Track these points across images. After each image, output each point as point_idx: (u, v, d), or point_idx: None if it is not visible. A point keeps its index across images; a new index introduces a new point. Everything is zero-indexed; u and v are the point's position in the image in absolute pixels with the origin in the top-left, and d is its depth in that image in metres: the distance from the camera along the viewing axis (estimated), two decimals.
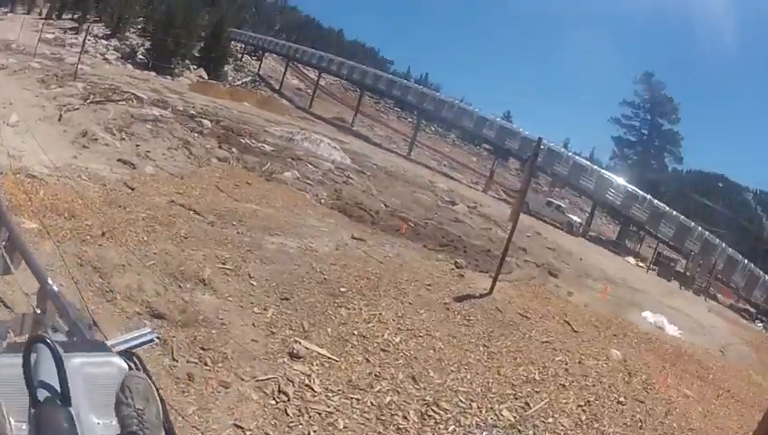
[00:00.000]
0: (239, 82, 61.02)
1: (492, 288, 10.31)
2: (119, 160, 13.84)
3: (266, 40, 76.50)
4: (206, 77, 56.21)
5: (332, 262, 9.66)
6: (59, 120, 17.08)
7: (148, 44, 61.66)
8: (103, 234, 8.22)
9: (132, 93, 23.15)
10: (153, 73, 48.53)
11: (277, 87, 63.15)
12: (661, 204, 37.06)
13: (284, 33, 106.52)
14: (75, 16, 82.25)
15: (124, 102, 20.71)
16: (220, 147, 17.44)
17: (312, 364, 6.31)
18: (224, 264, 8.36)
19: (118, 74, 36.49)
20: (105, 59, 54.19)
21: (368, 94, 61.17)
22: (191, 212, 10.52)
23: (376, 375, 6.41)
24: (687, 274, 27.51)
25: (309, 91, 64.48)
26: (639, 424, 7.13)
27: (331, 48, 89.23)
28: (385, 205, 17.35)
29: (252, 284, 7.90)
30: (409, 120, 66.58)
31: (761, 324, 24.50)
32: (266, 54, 74.28)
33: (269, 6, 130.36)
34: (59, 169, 11.81)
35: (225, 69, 63.00)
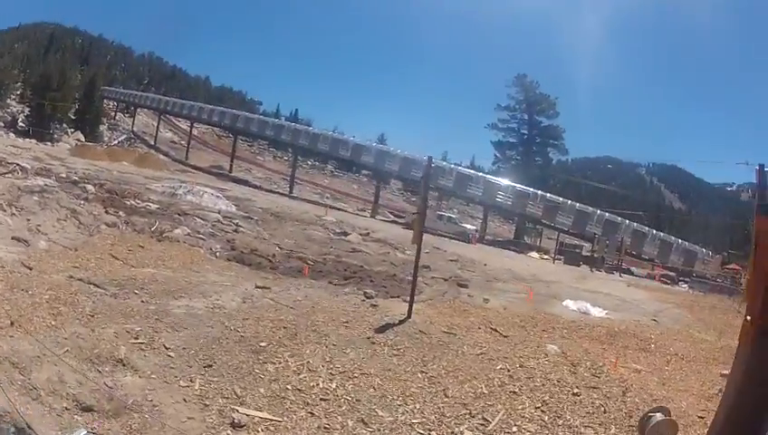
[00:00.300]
0: (116, 142, 61.09)
1: (410, 312, 10.11)
2: (12, 238, 12.80)
3: (136, 95, 77.69)
4: (84, 139, 55.86)
5: (244, 317, 9.21)
6: None
7: (27, 111, 60.35)
8: (12, 323, 7.46)
9: (17, 164, 22.54)
10: (34, 141, 48.15)
11: (152, 142, 63.63)
12: (554, 196, 39.06)
13: (153, 86, 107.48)
14: None
15: (10, 175, 19.68)
16: (107, 212, 17.01)
17: (258, 430, 5.85)
18: (136, 338, 7.69)
19: (1, 144, 34.82)
20: None
21: (241, 138, 62.62)
22: (91, 286, 9.82)
23: (325, 428, 6.00)
24: (595, 256, 28.79)
25: (183, 142, 65.19)
26: (602, 409, 7.07)
27: (199, 96, 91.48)
28: (279, 247, 17.23)
29: (170, 355, 7.32)
30: (285, 158, 68.62)
31: (685, 285, 25.87)
32: (138, 110, 74.92)
33: (137, 60, 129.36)
34: None
35: (101, 129, 63.13)
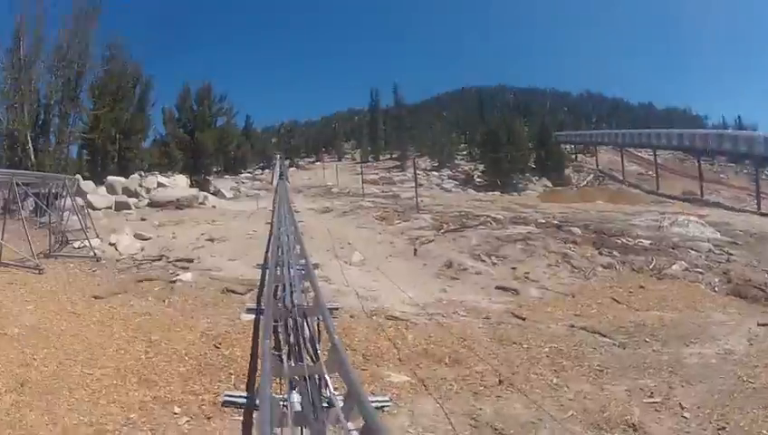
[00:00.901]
0: (584, 183, 60.91)
1: None
2: (497, 288, 13.27)
3: (591, 134, 79.03)
4: (551, 185, 57.18)
5: (754, 363, 8.11)
6: (414, 253, 17.42)
7: (481, 167, 64.97)
8: (500, 381, 7.12)
9: (487, 216, 23.26)
10: (497, 193, 50.08)
11: (620, 177, 61.29)
12: None
13: (602, 122, 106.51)
14: (393, 156, 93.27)
15: (483, 226, 20.57)
16: (600, 253, 16.36)
17: None
18: (650, 396, 7.09)
19: (461, 201, 37.99)
20: (442, 188, 57.43)
21: (702, 158, 56.23)
22: (596, 335, 9.54)
23: None
24: None
25: (649, 173, 61.89)
26: None
27: (649, 123, 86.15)
28: None
29: (684, 417, 6.60)
30: (745, 171, 60.68)
31: None
32: (598, 147, 74.29)
33: (577, 100, 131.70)
34: (427, 306, 11.39)
35: (566, 172, 63.59)
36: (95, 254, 17.26)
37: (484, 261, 15.67)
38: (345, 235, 20.32)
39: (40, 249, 16.70)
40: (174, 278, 14.17)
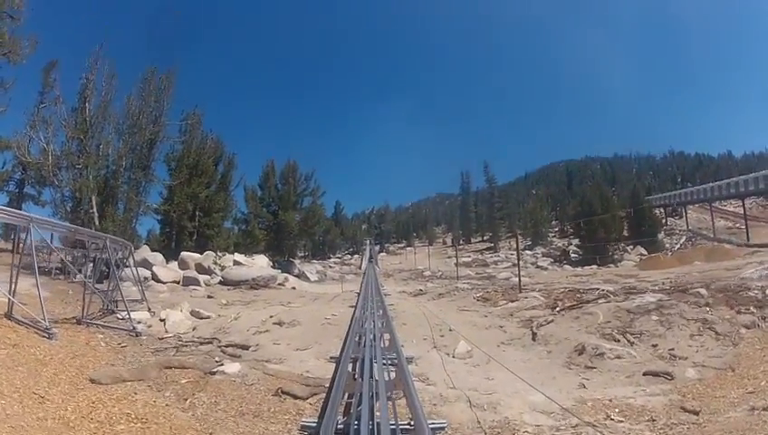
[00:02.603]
0: (678, 245, 58.89)
1: None
2: (646, 374, 10.27)
3: (680, 194, 78.17)
4: (646, 252, 54.69)
5: None
6: (533, 338, 14.09)
7: (575, 241, 64.62)
8: None
9: (597, 289, 20.08)
10: (594, 266, 48.71)
11: (710, 235, 60.71)
12: None
13: (687, 181, 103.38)
14: (485, 238, 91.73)
15: (603, 300, 16.23)
16: (738, 312, 13.57)
17: None
18: None
19: (560, 277, 34.86)
20: (538, 266, 57.32)
21: None
22: None
23: None
24: None
25: (737, 226, 62.60)
26: None
27: (724, 173, 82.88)
28: None
29: None
30: None
31: None
32: (685, 208, 74.50)
33: (661, 163, 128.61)
34: (567, 413, 8.09)
35: (659, 237, 61.05)
36: (134, 328, 14.10)
37: (618, 341, 12.58)
38: (444, 319, 17.12)
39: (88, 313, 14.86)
40: (215, 369, 10.16)
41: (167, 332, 14.56)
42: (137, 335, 13.64)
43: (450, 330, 14.94)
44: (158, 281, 26.57)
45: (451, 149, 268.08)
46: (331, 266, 64.92)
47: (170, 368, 9.98)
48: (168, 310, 16.98)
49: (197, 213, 39.36)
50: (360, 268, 63.87)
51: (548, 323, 14.81)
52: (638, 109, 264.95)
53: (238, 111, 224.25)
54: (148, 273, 27.35)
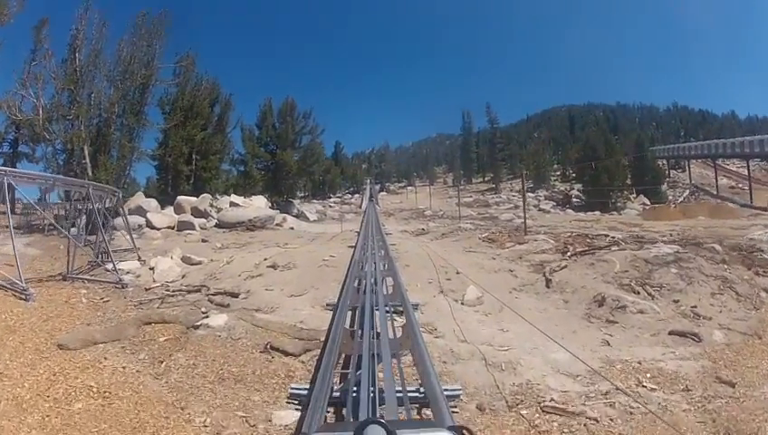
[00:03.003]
0: (681, 199, 58.35)
1: None
2: (671, 334, 9.24)
3: (685, 147, 76.21)
4: (648, 202, 53.95)
5: None
6: (546, 285, 12.80)
7: (577, 187, 63.52)
8: None
9: (607, 236, 19.36)
10: (597, 213, 47.40)
11: (713, 192, 59.96)
12: None
13: (691, 136, 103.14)
14: (486, 179, 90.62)
15: (616, 248, 15.83)
16: (756, 273, 12.60)
17: None
18: None
19: (563, 221, 34.39)
20: (540, 209, 56.09)
21: None
22: None
23: None
24: None
25: (740, 186, 61.63)
26: None
27: (733, 134, 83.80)
28: None
29: None
30: None
31: None
32: (687, 162, 73.54)
33: (664, 115, 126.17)
34: (594, 377, 7.10)
35: (662, 189, 60.45)
36: (120, 280, 13.21)
37: (638, 293, 11.41)
38: (450, 261, 15.71)
39: (75, 268, 14.34)
40: (199, 322, 9.21)
41: (155, 281, 13.61)
42: (123, 287, 12.78)
43: (457, 273, 13.70)
44: (153, 227, 25.63)
45: (452, 91, 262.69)
46: (330, 206, 63.94)
47: (150, 323, 9.06)
48: (159, 257, 16.02)
49: (194, 156, 37.97)
50: (360, 207, 62.90)
51: (561, 269, 13.53)
52: (643, 59, 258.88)
53: (236, 52, 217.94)
54: (142, 220, 26.48)
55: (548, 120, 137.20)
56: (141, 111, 31.47)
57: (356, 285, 10.72)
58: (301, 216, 42.50)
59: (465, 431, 1.70)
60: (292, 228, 30.48)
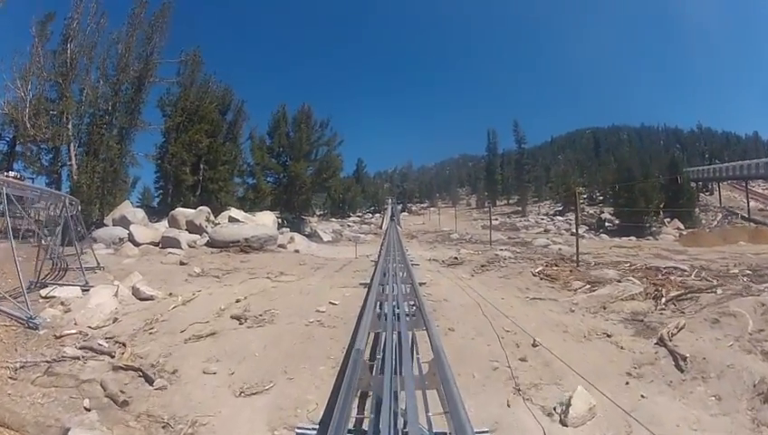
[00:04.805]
0: (715, 222, 57.38)
1: None
2: None
3: (718, 169, 74.18)
4: (683, 227, 52.52)
5: None
6: (677, 366, 7.95)
7: (607, 210, 61.03)
8: None
9: (684, 269, 15.68)
10: (633, 238, 44.68)
11: (744, 214, 58.84)
12: None
13: (716, 158, 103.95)
14: (510, 201, 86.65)
15: (721, 290, 11.74)
16: None
17: None
18: None
19: (604, 248, 30.90)
20: (573, 234, 49.61)
21: None
22: None
23: None
24: None
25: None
26: None
27: (753, 154, 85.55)
28: None
29: None
30: None
31: None
32: (716, 184, 72.60)
33: (688, 137, 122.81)
34: None
35: (696, 212, 58.70)
36: (31, 318, 9.58)
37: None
38: (512, 316, 10.48)
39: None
40: None
41: (75, 324, 9.60)
42: (35, 328, 9.27)
43: (534, 345, 8.59)
44: (134, 242, 21.91)
45: (474, 113, 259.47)
46: (349, 225, 60.22)
47: None
48: (99, 287, 12.00)
49: (202, 166, 34.32)
50: (380, 228, 58.86)
51: (679, 331, 9.01)
52: (666, 80, 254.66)
53: (253, 64, 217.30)
54: (125, 233, 22.80)
55: (572, 142, 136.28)
56: (136, 109, 28.15)
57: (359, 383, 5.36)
58: (313, 235, 38.46)
59: None
60: (297, 251, 26.36)
